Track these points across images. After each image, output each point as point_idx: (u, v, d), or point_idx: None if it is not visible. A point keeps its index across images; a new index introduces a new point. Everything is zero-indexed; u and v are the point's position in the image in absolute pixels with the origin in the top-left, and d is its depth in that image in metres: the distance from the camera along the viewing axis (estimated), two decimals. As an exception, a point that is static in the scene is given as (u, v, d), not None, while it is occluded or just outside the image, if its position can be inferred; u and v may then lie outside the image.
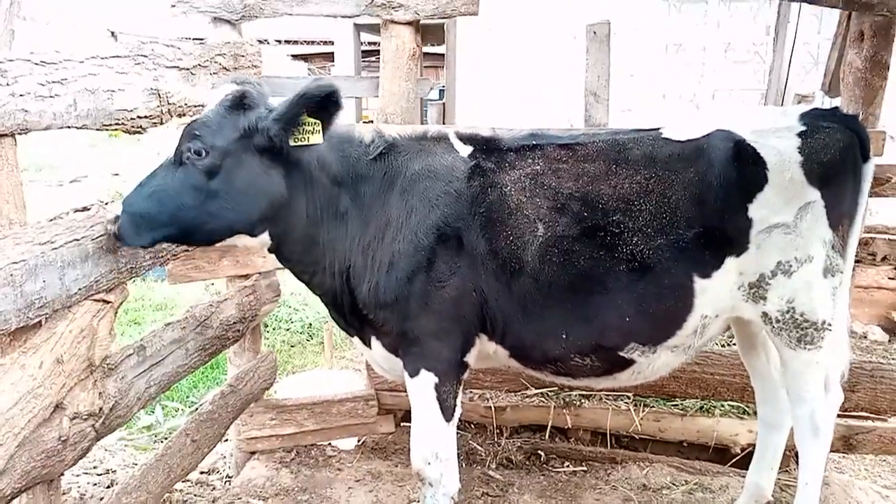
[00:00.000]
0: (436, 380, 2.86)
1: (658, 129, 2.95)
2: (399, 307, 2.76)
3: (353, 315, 2.95)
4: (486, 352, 2.96)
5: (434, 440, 2.94)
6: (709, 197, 2.72)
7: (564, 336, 2.79)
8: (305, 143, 2.57)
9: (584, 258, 2.71)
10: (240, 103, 2.57)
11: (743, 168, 2.73)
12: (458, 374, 2.94)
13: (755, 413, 4.10)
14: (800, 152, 2.72)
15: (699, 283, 2.74)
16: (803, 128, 2.78)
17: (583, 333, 2.79)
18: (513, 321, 2.81)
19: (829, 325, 2.85)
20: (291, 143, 2.55)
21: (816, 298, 2.78)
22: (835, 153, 2.74)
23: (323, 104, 2.51)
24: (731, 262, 2.76)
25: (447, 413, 2.91)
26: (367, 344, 3.03)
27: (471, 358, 2.93)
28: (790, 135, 2.77)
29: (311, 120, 2.55)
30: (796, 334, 2.83)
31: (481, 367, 3.33)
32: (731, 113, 3.16)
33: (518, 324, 2.81)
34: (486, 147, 2.91)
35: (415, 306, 2.75)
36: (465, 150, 2.89)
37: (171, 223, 2.55)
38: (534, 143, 2.92)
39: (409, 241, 2.71)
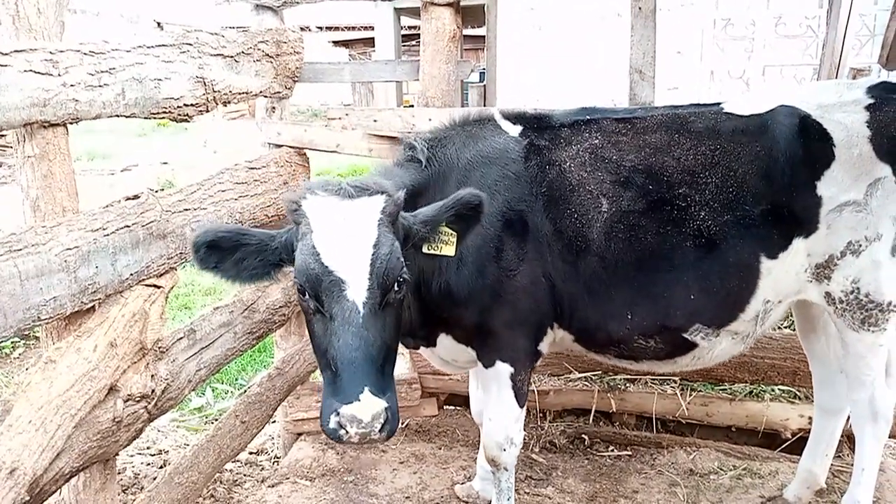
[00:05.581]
0: (511, 370, 2.84)
1: (719, 103, 2.88)
2: (473, 302, 2.70)
3: (422, 328, 2.84)
4: (553, 337, 2.93)
5: (509, 427, 2.93)
6: (775, 173, 2.63)
7: (629, 316, 2.75)
8: (438, 252, 2.40)
9: (650, 233, 2.65)
10: (397, 216, 2.28)
11: (809, 144, 2.63)
12: (533, 362, 2.93)
13: (806, 397, 4.02)
14: (868, 126, 2.61)
15: (765, 264, 2.67)
16: (871, 101, 2.66)
17: (648, 313, 2.74)
18: (578, 303, 2.76)
19: None
20: (424, 250, 2.40)
21: (883, 278, 2.66)
22: None
23: (470, 213, 2.35)
24: (798, 243, 2.67)
25: (521, 399, 2.91)
26: (433, 343, 2.96)
27: (544, 346, 2.90)
28: (858, 108, 2.65)
29: (448, 230, 2.39)
30: (860, 315, 2.72)
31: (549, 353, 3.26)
32: (793, 88, 3.04)
33: (583, 305, 2.77)
34: (537, 124, 2.85)
35: (488, 299, 2.69)
36: (514, 130, 2.83)
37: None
38: (587, 117, 2.85)
39: (476, 234, 2.52)
